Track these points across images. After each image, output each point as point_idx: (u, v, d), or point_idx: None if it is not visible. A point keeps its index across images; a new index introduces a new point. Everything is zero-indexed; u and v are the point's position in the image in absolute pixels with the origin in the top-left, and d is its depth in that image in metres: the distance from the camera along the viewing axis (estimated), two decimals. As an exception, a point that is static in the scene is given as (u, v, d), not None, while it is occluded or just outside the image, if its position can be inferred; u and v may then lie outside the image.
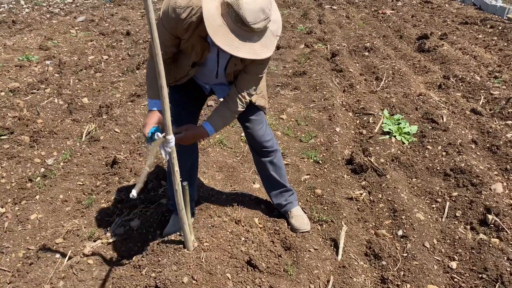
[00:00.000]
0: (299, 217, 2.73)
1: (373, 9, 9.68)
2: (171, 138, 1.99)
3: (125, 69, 5.91)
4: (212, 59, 2.21)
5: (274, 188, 2.72)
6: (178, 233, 2.43)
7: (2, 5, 11.99)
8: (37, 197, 3.10)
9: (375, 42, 6.70)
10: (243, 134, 3.99)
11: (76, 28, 8.60)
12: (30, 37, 7.67)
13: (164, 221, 2.81)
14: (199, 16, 1.95)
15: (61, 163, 3.54)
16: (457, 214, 2.86)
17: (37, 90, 5.07)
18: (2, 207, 2.99)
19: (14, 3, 12.50)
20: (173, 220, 2.73)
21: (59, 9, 10.97)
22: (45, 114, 4.41)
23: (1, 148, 3.69)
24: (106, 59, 6.41)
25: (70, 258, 2.52)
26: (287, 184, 2.73)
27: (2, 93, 4.95)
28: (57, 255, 2.55)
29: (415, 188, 3.20)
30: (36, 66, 6.03)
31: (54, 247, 2.63)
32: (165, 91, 1.82)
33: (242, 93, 2.27)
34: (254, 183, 3.25)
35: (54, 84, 5.25)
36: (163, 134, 1.98)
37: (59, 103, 4.70)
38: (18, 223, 2.85)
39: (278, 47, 6.78)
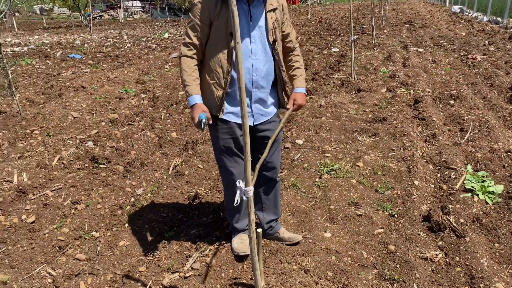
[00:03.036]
0: (287, 233, 3.10)
1: (462, 54, 9.36)
2: (250, 189, 2.15)
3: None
4: (243, 28, 2.46)
5: (277, 208, 3.09)
6: (249, 277, 2.55)
7: (108, 40, 13.44)
8: (126, 225, 3.42)
9: (462, 90, 6.48)
10: (317, 179, 4.07)
11: (170, 63, 9.38)
12: (130, 71, 8.51)
13: (237, 262, 2.96)
14: None
15: (149, 194, 3.87)
16: (544, 290, 2.65)
17: (133, 122, 5.61)
18: (96, 232, 3.35)
19: (118, 37, 13.97)
20: (239, 238, 3.03)
21: (156, 45, 12.01)
22: (138, 146, 4.86)
23: (99, 176, 4.14)
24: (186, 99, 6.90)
25: (150, 287, 2.74)
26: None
27: (103, 123, 5.55)
28: (139, 283, 2.79)
29: (497, 254, 3.03)
30: (133, 99, 6.68)
31: (137, 275, 2.88)
32: (244, 100, 1.98)
33: (296, 43, 2.74)
34: (325, 231, 3.29)
35: (147, 117, 5.78)
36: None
37: (151, 136, 5.16)
38: (108, 248, 3.17)
39: (358, 90, 6.82)
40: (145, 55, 10.34)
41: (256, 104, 2.65)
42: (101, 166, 4.32)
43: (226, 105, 2.58)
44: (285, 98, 2.76)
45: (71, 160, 4.42)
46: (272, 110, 2.77)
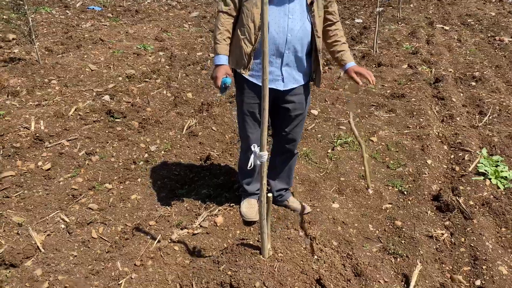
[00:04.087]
0: (296, 202, 3.16)
1: (489, 34, 9.06)
2: (264, 154, 2.17)
3: (228, 69, 6.28)
4: None
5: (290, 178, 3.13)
6: (256, 239, 2.61)
7: (129, -6, 13.20)
8: (139, 179, 3.49)
9: (485, 72, 6.32)
10: (329, 150, 4.07)
11: (189, 23, 9.25)
12: (149, 27, 8.42)
13: (245, 222, 3.02)
14: None
15: (162, 152, 3.92)
16: (546, 277, 2.67)
17: (149, 79, 5.61)
18: (109, 184, 3.42)
19: (139, -8, 13.73)
20: (248, 203, 3.06)
21: (176, 2, 11.82)
22: (154, 104, 4.88)
23: (115, 130, 4.19)
24: (213, 57, 6.84)
25: (159, 241, 2.82)
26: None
27: (120, 78, 5.56)
28: (148, 236, 2.88)
29: (503, 239, 3.04)
30: (150, 56, 6.65)
31: (147, 228, 2.96)
32: (267, 62, 1.97)
33: (337, 17, 2.65)
34: (333, 202, 3.32)
35: (164, 76, 5.77)
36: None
37: (167, 94, 5.16)
38: (120, 200, 3.25)
39: (379, 64, 6.70)
40: (164, 12, 10.20)
41: (286, 68, 2.54)
42: (117, 120, 4.37)
43: (253, 64, 2.51)
44: (317, 67, 2.62)
45: (87, 112, 4.47)
46: (303, 78, 2.65)
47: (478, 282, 2.63)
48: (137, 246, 2.79)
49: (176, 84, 5.47)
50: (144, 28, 8.37)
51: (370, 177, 2.47)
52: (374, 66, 6.69)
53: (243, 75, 2.55)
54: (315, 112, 4.91)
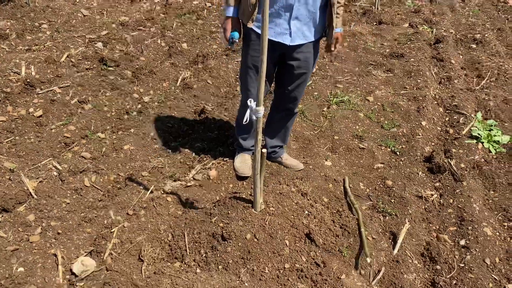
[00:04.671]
0: (290, 159, 3.17)
1: (494, -4, 8.82)
2: (261, 109, 2.14)
3: (225, 20, 6.09)
4: None
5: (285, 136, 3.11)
6: (249, 193, 2.64)
7: None
8: (132, 130, 3.45)
9: (486, 35, 6.20)
10: (325, 108, 4.05)
11: (186, -31, 8.86)
12: (144, -27, 8.06)
13: (238, 177, 3.04)
14: None
15: (156, 103, 3.86)
16: (529, 239, 2.76)
17: (143, 28, 5.44)
18: (102, 133, 3.39)
19: None
20: (242, 158, 3.06)
21: None
22: (148, 53, 4.76)
23: (107, 78, 4.10)
24: (209, 6, 6.62)
25: (152, 192, 2.84)
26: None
27: (113, 25, 5.37)
28: (141, 187, 2.89)
29: (490, 201, 3.10)
30: (145, 3, 6.41)
31: (140, 178, 2.97)
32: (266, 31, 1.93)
33: None
34: (326, 160, 3.34)
35: (159, 24, 5.58)
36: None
37: (161, 44, 5.02)
38: (113, 150, 3.23)
39: (380, 22, 6.54)
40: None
41: (296, 21, 2.39)
42: (110, 68, 4.26)
43: (257, 15, 2.40)
44: (331, 22, 2.45)
45: (80, 59, 4.35)
46: (314, 35, 2.51)
47: (462, 242, 2.70)
48: (130, 196, 2.80)
49: (171, 34, 5.31)
50: (139, -27, 8.01)
51: (367, 247, 2.49)
52: (374, 23, 6.53)
53: (249, 26, 2.46)
54: (313, 69, 4.83)
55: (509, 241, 2.76)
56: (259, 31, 2.44)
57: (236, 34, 2.45)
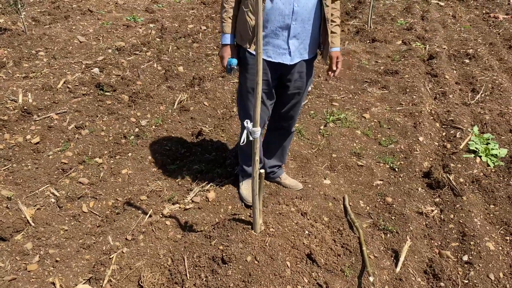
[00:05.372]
0: (289, 179, 3.15)
1: (484, 11, 8.98)
2: (258, 130, 2.15)
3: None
4: None
5: (283, 155, 3.09)
6: (248, 214, 2.61)
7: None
8: (130, 154, 3.45)
9: (479, 49, 6.29)
10: (322, 127, 4.06)
11: (181, -6, 9.02)
12: (139, -2, 8.20)
13: (236, 198, 3.01)
14: None
15: (153, 126, 3.87)
16: (532, 252, 2.73)
17: (139, 52, 5.49)
18: (99, 158, 3.38)
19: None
20: (248, 184, 3.00)
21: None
22: (144, 77, 4.79)
23: (104, 103, 4.11)
24: (204, 29, 6.71)
25: (150, 216, 2.82)
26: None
27: (109, 50, 5.43)
28: (140, 211, 2.87)
29: (491, 215, 3.08)
30: (140, 28, 6.49)
31: (138, 203, 2.95)
32: (260, 58, 1.95)
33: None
34: (325, 178, 3.33)
35: (154, 48, 5.65)
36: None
37: (157, 68, 5.07)
38: (111, 175, 3.22)
39: (373, 40, 6.63)
40: (155, -17, 9.92)
41: (293, 40, 2.40)
42: (107, 93, 4.29)
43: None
44: (325, 38, 2.46)
45: (76, 85, 4.37)
46: (310, 52, 2.52)
47: (465, 258, 2.67)
48: (129, 221, 2.78)
49: (167, 57, 5.37)
50: (134, -1, 8.15)
51: (370, 265, 2.48)
52: (368, 41, 6.61)
53: (248, 50, 2.46)
54: (308, 88, 4.86)
55: (512, 255, 2.73)
56: (263, 56, 2.44)
57: (234, 61, 2.47)
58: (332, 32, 2.50)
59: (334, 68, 2.61)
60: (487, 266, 2.60)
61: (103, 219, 2.80)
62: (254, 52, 2.42)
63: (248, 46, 2.43)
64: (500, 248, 2.79)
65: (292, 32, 2.37)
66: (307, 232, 2.60)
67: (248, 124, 2.20)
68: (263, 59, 2.41)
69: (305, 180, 3.27)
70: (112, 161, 3.36)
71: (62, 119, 3.80)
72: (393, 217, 2.97)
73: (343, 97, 4.71)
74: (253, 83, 2.54)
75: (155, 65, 5.13)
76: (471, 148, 3.75)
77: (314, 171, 3.41)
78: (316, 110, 4.36)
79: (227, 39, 2.46)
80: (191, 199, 2.97)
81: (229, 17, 2.44)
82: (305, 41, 2.45)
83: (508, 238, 2.88)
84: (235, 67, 2.48)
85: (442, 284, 2.50)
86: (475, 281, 2.49)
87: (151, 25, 6.69)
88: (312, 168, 3.45)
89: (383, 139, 3.94)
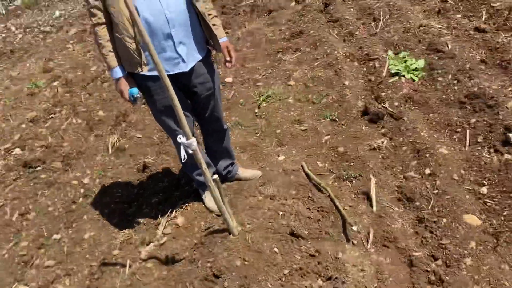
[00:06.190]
0: (247, 171, 3.16)
1: None
2: (193, 141, 2.13)
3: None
4: None
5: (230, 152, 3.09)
6: (221, 221, 2.60)
7: (-5, 36, 12.09)
8: (85, 217, 3.32)
9: (365, -19, 6.53)
10: (256, 110, 4.09)
11: (72, 42, 8.69)
12: (32, 62, 7.82)
13: (205, 212, 2.99)
14: None
15: (97, 180, 3.74)
16: (479, 140, 2.92)
17: (54, 114, 5.26)
18: (57, 234, 3.23)
19: (5, 31, 12.62)
20: (209, 195, 2.90)
21: (50, 27, 11.03)
22: (69, 136, 4.60)
23: (40, 179, 3.92)
24: (109, 73, 6.51)
25: (130, 266, 2.74)
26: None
27: (23, 125, 5.16)
28: (118, 266, 2.77)
29: (434, 123, 3.26)
30: (45, 91, 6.20)
31: (113, 259, 2.85)
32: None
33: None
34: (279, 155, 3.37)
35: (67, 104, 5.42)
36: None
37: (78, 122, 4.88)
38: (75, 244, 3.08)
39: (269, 11, 6.72)
40: (42, 41, 9.49)
41: (181, 46, 2.36)
42: (37, 169, 4.08)
43: (146, 57, 2.31)
44: (210, 32, 2.43)
45: (3, 173, 4.13)
46: (200, 52, 2.49)
47: (427, 171, 2.82)
48: (111, 280, 2.69)
49: (83, 108, 5.17)
50: (27, 65, 7.76)
51: (349, 217, 2.54)
52: (265, 14, 6.70)
53: (142, 73, 2.40)
54: (229, 79, 4.88)
55: (465, 150, 2.91)
56: (153, 73, 2.35)
57: (135, 90, 2.37)
58: (213, 24, 2.47)
59: (228, 58, 2.58)
60: (448, 170, 2.76)
61: (86, 290, 2.69)
62: (150, 74, 2.36)
63: (140, 70, 2.35)
64: (452, 148, 2.96)
65: (176, 39, 2.32)
66: (281, 212, 2.64)
67: (181, 139, 2.18)
68: (155, 76, 2.33)
69: (261, 166, 3.30)
70: (70, 231, 3.22)
71: (3, 213, 3.58)
72: (351, 164, 3.06)
73: (264, 75, 4.77)
74: (161, 101, 2.49)
75: (74, 120, 4.93)
76: (393, 71, 3.92)
77: (266, 153, 3.44)
78: (245, 97, 4.38)
79: (118, 72, 2.35)
80: (162, 233, 2.91)
81: (109, 51, 2.32)
82: (192, 43, 2.41)
83: (455, 136, 3.06)
84: (138, 95, 2.39)
85: (417, 203, 2.63)
86: (443, 187, 2.63)
87: (55, 83, 6.41)
88: (264, 151, 3.48)
89: (314, 97, 4.04)
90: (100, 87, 5.75)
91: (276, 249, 2.38)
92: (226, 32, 6.31)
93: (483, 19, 4.40)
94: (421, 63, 3.92)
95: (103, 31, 2.30)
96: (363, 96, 3.87)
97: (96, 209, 3.37)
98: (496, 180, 2.58)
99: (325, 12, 5.98)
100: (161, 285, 2.52)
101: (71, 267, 2.89)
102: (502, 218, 2.39)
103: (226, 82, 4.81)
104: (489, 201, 2.50)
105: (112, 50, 2.33)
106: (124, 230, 3.08)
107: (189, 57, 2.42)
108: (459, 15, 4.65)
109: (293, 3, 6.77)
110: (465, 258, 2.23)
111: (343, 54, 4.66)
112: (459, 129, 3.08)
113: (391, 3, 5.40)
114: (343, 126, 3.51)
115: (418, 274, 2.24)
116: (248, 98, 4.34)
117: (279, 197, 2.80)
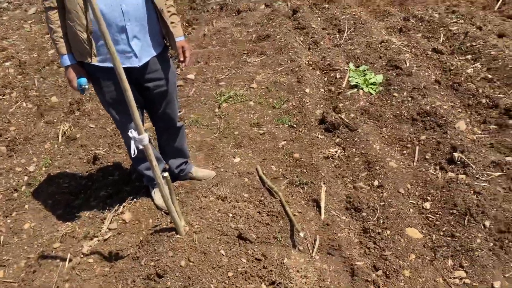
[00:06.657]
0: (200, 171, 3.13)
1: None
2: (144, 136, 2.08)
3: (88, 59, 5.82)
4: None
5: (184, 151, 3.04)
6: (169, 220, 2.56)
7: None
8: (26, 206, 3.16)
9: (333, -8, 6.67)
10: (216, 109, 4.07)
11: (29, 21, 8.30)
12: (-16, 39, 7.40)
13: (154, 210, 2.93)
14: None
15: (43, 168, 3.58)
16: (426, 157, 3.04)
17: (3, 96, 4.99)
18: (-6, 222, 3.06)
19: (-42, 3, 11.84)
20: (159, 193, 2.87)
21: (7, 3, 10.49)
22: (16, 121, 4.38)
23: (-20, 163, 3.70)
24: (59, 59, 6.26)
25: (70, 260, 2.63)
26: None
27: (-32, 105, 4.86)
28: (58, 260, 2.66)
29: (386, 137, 3.36)
30: (-4, 70, 5.89)
31: (53, 252, 2.73)
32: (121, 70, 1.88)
33: None
34: (234, 157, 3.36)
35: (19, 87, 5.16)
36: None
37: (28, 106, 4.66)
38: (13, 234, 2.93)
39: (238, 11, 6.72)
40: (-3, 18, 9.00)
41: (136, 40, 2.29)
42: (-21, 152, 3.85)
43: (98, 48, 2.24)
44: (167, 29, 2.39)
45: None
46: (157, 48, 2.43)
47: (376, 182, 2.90)
48: (49, 274, 2.57)
49: (35, 92, 4.94)
50: (-22, 41, 7.33)
51: (297, 222, 2.55)
52: (234, 14, 6.69)
53: (93, 63, 2.32)
54: (191, 76, 4.82)
55: (413, 165, 3.02)
56: (107, 64, 2.28)
57: (84, 80, 2.30)
58: (171, 22, 2.43)
59: (182, 58, 2.53)
60: (395, 183, 2.84)
61: (20, 284, 2.56)
62: (100, 64, 2.28)
63: (90, 60, 2.26)
64: (401, 163, 3.06)
65: (130, 33, 2.25)
66: (231, 215, 2.62)
67: (133, 133, 2.12)
68: (108, 67, 2.29)
69: (216, 166, 3.27)
70: (9, 221, 3.06)
71: None
72: (304, 170, 3.10)
73: (227, 75, 4.75)
74: (110, 94, 2.42)
75: (24, 104, 4.70)
76: (352, 83, 4.02)
77: (222, 154, 3.42)
78: (206, 95, 4.34)
79: (67, 60, 2.26)
80: (107, 228, 2.82)
81: (60, 37, 2.23)
82: (147, 38, 2.34)
83: (404, 152, 3.17)
84: (86, 86, 2.31)
85: (364, 213, 2.69)
86: (389, 200, 2.71)
87: (7, 64, 6.09)
88: (220, 152, 3.45)
89: (275, 102, 4.06)
90: (56, 72, 5.51)
91: (222, 251, 2.37)
92: (193, 28, 6.25)
93: (441, 41, 4.60)
94: (379, 77, 4.03)
95: (54, 16, 2.20)
96: (322, 105, 3.93)
97: (39, 199, 3.22)
98: (439, 196, 2.70)
99: (293, 18, 6.05)
100: (101, 282, 2.44)
101: (7, 258, 2.74)
102: (441, 233, 2.49)
103: (188, 79, 4.75)
104: (431, 216, 2.60)
105: (63, 37, 2.23)
106: (67, 223, 2.96)
107: (143, 52, 2.35)
108: (420, 35, 4.83)
109: (263, 6, 6.80)
110: (404, 269, 2.30)
111: (307, 62, 4.72)
112: (409, 145, 3.19)
113: (357, 16, 5.54)
114: (300, 133, 3.55)
115: (359, 284, 2.29)
116: (209, 97, 4.31)
117: (231, 199, 2.79)
